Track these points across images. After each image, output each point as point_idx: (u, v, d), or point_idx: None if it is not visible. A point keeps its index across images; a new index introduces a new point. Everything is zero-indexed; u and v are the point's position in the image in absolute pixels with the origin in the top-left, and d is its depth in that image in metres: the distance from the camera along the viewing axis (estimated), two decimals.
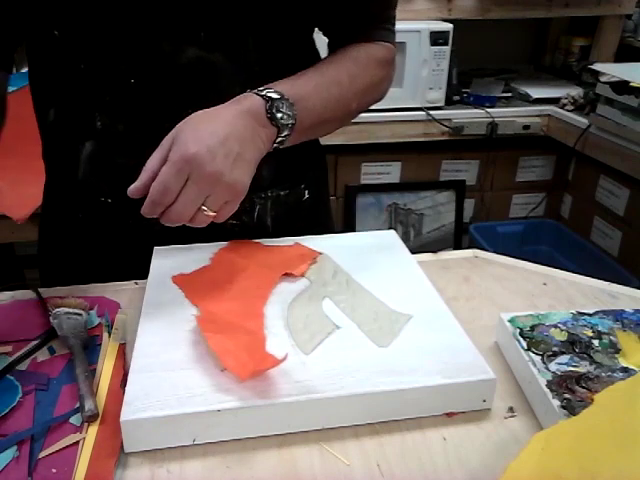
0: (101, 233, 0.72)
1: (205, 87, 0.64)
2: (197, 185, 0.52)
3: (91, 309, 0.61)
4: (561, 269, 0.72)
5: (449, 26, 1.65)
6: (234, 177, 0.53)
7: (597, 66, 1.57)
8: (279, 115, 0.58)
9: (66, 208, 0.73)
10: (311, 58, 0.73)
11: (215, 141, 0.52)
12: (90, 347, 0.55)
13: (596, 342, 0.53)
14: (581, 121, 1.64)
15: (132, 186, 0.53)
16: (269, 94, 0.58)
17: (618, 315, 0.57)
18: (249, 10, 0.63)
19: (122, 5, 0.59)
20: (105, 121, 0.64)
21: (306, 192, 0.78)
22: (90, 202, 0.70)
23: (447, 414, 0.49)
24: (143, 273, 0.63)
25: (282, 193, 0.75)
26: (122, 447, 0.45)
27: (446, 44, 1.65)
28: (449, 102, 1.75)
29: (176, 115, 0.61)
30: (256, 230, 0.73)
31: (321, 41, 0.75)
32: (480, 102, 1.76)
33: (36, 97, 0.70)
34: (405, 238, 1.92)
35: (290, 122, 0.59)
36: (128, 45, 0.61)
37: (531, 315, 0.57)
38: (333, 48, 0.72)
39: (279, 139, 0.59)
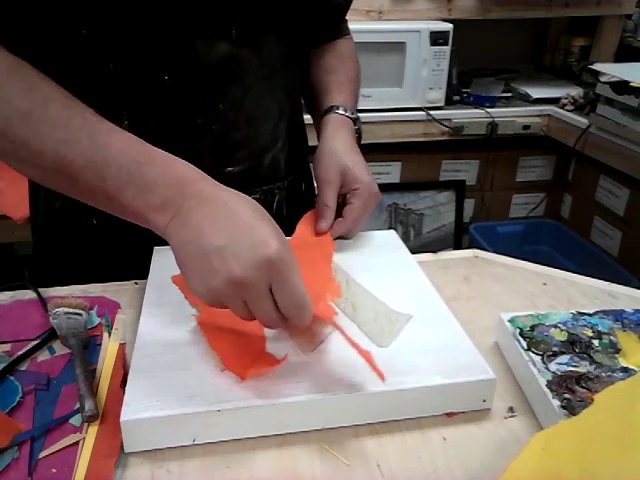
0: (119, 237, 0.70)
1: (234, 82, 0.66)
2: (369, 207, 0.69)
3: (91, 309, 0.61)
4: (561, 269, 0.72)
5: (449, 26, 1.65)
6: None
7: (597, 66, 1.57)
8: (358, 126, 0.77)
9: (76, 214, 0.71)
10: (300, 56, 0.79)
11: (367, 167, 0.70)
12: (90, 347, 0.55)
13: (596, 342, 0.53)
14: (581, 121, 1.64)
15: (324, 224, 0.67)
16: (350, 116, 0.75)
17: (618, 315, 0.57)
18: (274, 5, 0.66)
19: (156, 3, 0.59)
20: (134, 120, 0.64)
21: (302, 184, 0.82)
22: None
23: (447, 414, 0.49)
24: (143, 273, 0.63)
25: (292, 184, 0.78)
26: (122, 447, 0.45)
27: (446, 44, 1.65)
28: (449, 102, 1.75)
29: (207, 110, 0.65)
30: (275, 221, 0.73)
31: None
32: (480, 102, 1.76)
33: None
34: (405, 238, 1.92)
35: (359, 121, 0.77)
36: (162, 43, 0.61)
37: (531, 315, 0.57)
38: (308, 47, 0.82)
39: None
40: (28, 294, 0.64)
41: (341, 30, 0.84)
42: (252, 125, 0.69)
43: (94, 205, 0.52)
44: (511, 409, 0.50)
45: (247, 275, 0.42)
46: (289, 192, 0.77)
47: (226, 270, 0.43)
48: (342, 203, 0.69)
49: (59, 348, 0.56)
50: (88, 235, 0.72)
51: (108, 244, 0.72)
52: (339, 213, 0.68)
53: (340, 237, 0.69)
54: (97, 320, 0.59)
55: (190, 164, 0.50)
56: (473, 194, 1.95)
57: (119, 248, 0.71)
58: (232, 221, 0.45)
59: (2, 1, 0.55)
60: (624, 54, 1.88)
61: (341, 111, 0.74)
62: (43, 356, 0.55)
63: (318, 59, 0.81)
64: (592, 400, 0.43)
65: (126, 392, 0.46)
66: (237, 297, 0.44)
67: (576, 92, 1.74)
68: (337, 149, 0.70)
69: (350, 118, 0.75)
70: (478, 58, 2.04)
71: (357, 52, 0.85)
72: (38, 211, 0.77)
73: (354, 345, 0.45)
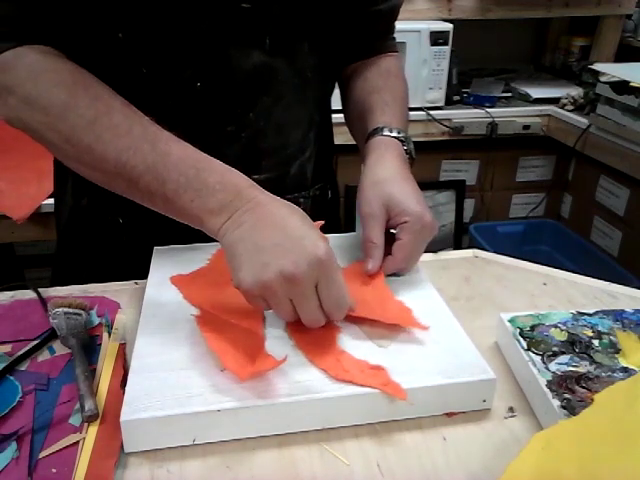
0: (144, 237, 0.70)
1: (265, 91, 0.66)
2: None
3: (91, 309, 0.61)
4: (561, 269, 0.72)
5: (449, 26, 1.65)
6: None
7: (597, 66, 1.57)
8: (408, 147, 0.68)
9: (103, 212, 0.71)
10: (333, 66, 0.78)
11: (419, 195, 0.63)
12: (90, 347, 0.55)
13: (596, 342, 0.53)
14: (581, 121, 1.64)
15: (371, 265, 0.60)
16: (397, 136, 0.68)
17: (618, 315, 0.57)
18: (308, 14, 0.65)
19: (192, 11, 0.59)
20: (164, 126, 0.62)
21: (329, 192, 0.82)
22: (136, 207, 0.69)
23: (447, 414, 0.49)
24: (143, 273, 0.63)
25: (318, 193, 0.78)
26: (122, 447, 0.45)
27: (446, 44, 1.65)
28: (449, 102, 1.75)
29: (238, 118, 0.65)
30: None
31: None
32: (480, 102, 1.76)
33: None
34: None
35: (409, 142, 0.69)
36: (196, 50, 0.62)
37: (531, 315, 0.57)
38: (347, 61, 0.78)
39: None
40: (28, 294, 0.64)
41: (385, 46, 0.79)
42: (281, 134, 0.69)
43: (151, 207, 0.56)
44: (511, 409, 0.50)
45: (299, 271, 0.46)
46: (314, 200, 0.77)
47: (279, 264, 0.46)
48: (392, 239, 0.62)
49: (59, 348, 0.56)
50: (113, 234, 0.72)
51: (133, 244, 0.71)
52: (389, 250, 0.62)
53: (391, 274, 0.63)
54: (97, 320, 0.59)
55: (242, 173, 0.53)
56: (473, 194, 1.95)
57: (144, 248, 0.70)
58: (285, 223, 0.49)
59: (41, 4, 0.56)
60: (624, 54, 1.88)
61: (386, 132, 0.68)
62: (43, 356, 0.55)
63: (361, 78, 0.77)
64: (592, 400, 0.43)
65: (126, 392, 0.46)
66: (284, 292, 0.47)
67: (576, 92, 1.74)
68: (380, 178, 0.63)
69: (397, 138, 0.68)
70: (478, 58, 2.04)
71: (403, 70, 0.80)
72: (63, 208, 0.76)
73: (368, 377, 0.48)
